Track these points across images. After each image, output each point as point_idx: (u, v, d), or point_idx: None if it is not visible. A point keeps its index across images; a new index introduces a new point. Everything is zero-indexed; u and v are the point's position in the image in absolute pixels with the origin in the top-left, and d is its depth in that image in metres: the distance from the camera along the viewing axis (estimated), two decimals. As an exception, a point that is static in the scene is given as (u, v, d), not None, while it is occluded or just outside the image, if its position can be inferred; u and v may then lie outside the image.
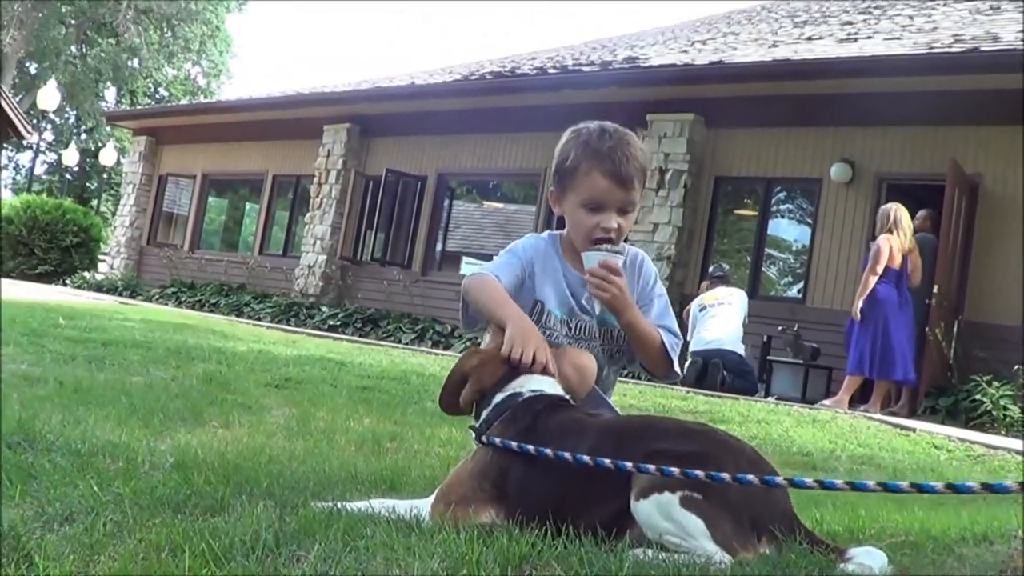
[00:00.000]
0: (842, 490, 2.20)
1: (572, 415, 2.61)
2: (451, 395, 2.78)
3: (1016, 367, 9.66)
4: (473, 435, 2.71)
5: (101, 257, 24.61)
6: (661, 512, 2.25)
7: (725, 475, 2.23)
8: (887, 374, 9.97)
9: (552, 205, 3.16)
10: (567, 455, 2.39)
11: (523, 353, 2.69)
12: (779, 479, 2.28)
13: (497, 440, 2.57)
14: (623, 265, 2.95)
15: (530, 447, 2.48)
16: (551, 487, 2.48)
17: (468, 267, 20.95)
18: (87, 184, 53.95)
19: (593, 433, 2.51)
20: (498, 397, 2.68)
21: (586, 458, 2.37)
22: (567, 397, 2.71)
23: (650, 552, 2.20)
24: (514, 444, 2.52)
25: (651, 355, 3.05)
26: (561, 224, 3.19)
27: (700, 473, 2.22)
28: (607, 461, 2.33)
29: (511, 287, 2.99)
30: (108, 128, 45.81)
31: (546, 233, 3.23)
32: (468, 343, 13.71)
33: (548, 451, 2.43)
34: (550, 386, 2.70)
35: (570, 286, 3.09)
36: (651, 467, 2.27)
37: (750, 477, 2.24)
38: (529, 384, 2.68)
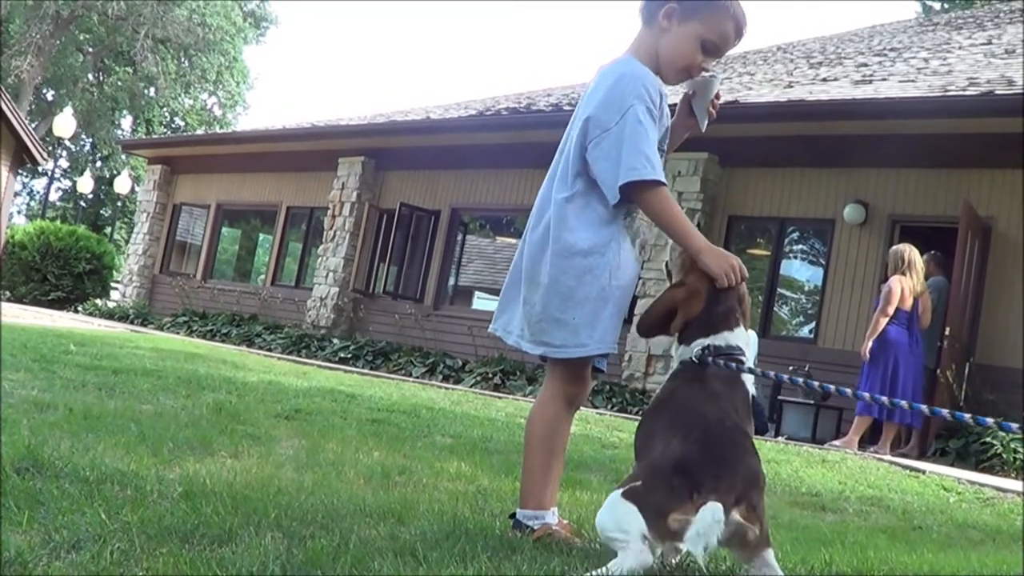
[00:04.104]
0: (969, 425, 2.40)
1: (718, 401, 2.77)
2: (659, 323, 2.95)
3: (1027, 410, 9.62)
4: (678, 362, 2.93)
5: (113, 284, 24.69)
6: (609, 507, 2.47)
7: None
8: (891, 416, 9.92)
9: (661, 18, 3.17)
10: (847, 391, 2.72)
11: (731, 278, 2.87)
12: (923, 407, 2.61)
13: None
14: None
15: (771, 372, 2.92)
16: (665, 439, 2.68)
17: (481, 302, 20.95)
18: (101, 211, 54.21)
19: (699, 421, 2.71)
20: (702, 341, 2.85)
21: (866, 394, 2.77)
22: (747, 369, 2.87)
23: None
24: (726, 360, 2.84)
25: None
26: None
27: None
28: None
29: None
30: (123, 156, 46.07)
31: (632, 58, 3.21)
32: (479, 378, 13.67)
33: (816, 382, 2.81)
34: (748, 346, 2.89)
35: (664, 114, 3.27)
36: (866, 394, 2.66)
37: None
38: (733, 339, 2.86)
